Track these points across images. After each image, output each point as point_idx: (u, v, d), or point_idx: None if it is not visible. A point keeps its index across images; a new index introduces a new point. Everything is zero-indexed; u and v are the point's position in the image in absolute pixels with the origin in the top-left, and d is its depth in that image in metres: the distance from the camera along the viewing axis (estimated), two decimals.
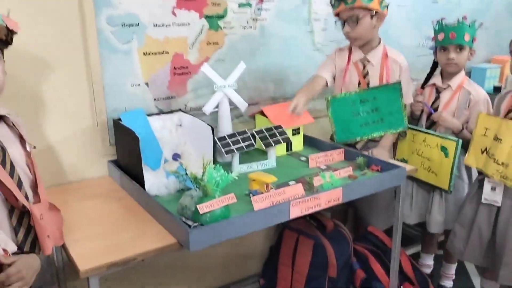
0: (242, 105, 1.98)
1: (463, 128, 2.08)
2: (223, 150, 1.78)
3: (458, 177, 2.16)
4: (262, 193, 1.53)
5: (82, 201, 1.63)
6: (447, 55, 2.07)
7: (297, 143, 2.13)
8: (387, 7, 2.00)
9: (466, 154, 1.96)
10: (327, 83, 2.10)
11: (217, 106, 1.94)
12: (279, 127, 1.96)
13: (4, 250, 1.14)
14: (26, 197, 1.24)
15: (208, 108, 1.89)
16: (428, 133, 2.12)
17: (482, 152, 1.87)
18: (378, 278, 2.11)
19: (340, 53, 2.14)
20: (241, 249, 2.36)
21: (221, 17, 2.00)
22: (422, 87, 2.24)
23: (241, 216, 1.37)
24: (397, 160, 2.25)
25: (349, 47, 2.11)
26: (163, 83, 1.93)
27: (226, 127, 1.97)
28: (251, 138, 1.87)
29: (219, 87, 1.90)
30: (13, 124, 1.28)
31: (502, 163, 1.79)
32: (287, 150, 2.10)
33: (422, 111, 2.22)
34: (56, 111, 1.72)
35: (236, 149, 1.82)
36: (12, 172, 1.20)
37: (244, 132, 1.88)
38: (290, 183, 1.72)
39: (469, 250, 2.00)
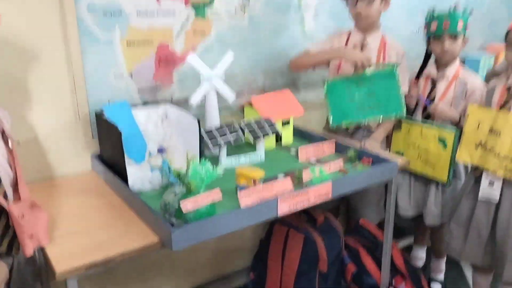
0: (230, 96, 1.92)
1: (460, 119, 2.03)
2: (209, 144, 1.73)
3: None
4: (249, 187, 1.48)
5: (63, 198, 1.57)
6: (442, 44, 2.02)
7: (287, 135, 2.08)
8: None
9: (458, 149, 1.90)
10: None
11: (204, 98, 1.88)
12: (268, 120, 1.91)
13: None
14: (5, 196, 1.19)
15: (194, 100, 1.83)
16: (425, 125, 2.07)
17: (477, 147, 1.82)
18: (369, 272, 2.08)
19: (339, 35, 2.13)
20: (230, 242, 2.32)
21: (207, 4, 1.93)
22: (417, 77, 2.19)
23: (226, 214, 1.32)
24: (393, 152, 2.22)
25: (348, 31, 2.10)
26: (148, 74, 1.86)
27: (213, 119, 1.91)
28: (239, 131, 1.82)
29: (206, 77, 1.83)
30: None
31: (505, 157, 1.73)
32: (277, 142, 2.05)
33: (417, 103, 2.17)
34: (35, 104, 1.65)
35: (224, 142, 1.76)
36: None
37: (232, 125, 1.82)
38: (279, 177, 1.67)
39: (468, 249, 1.95)
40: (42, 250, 1.26)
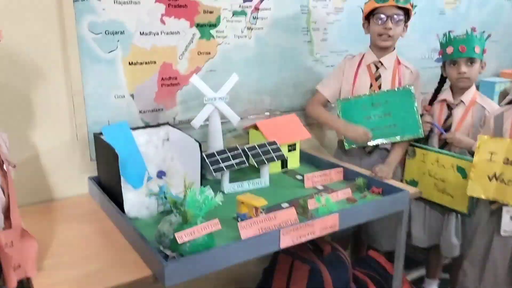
0: (234, 119, 1.86)
1: None
2: (211, 168, 1.65)
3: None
4: (251, 217, 1.40)
5: (56, 223, 1.49)
6: (458, 69, 1.94)
7: (293, 160, 2.00)
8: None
9: (468, 183, 1.79)
10: (327, 101, 2.14)
11: (208, 120, 1.82)
12: (274, 143, 1.83)
13: None
14: None
15: (196, 122, 1.77)
16: (441, 153, 1.97)
17: (491, 179, 1.72)
18: None
19: (350, 60, 2.12)
20: (232, 271, 2.22)
21: (213, 25, 1.88)
22: (430, 103, 2.10)
23: (224, 246, 1.23)
24: (406, 181, 2.12)
25: (361, 54, 2.10)
26: (150, 95, 1.80)
27: (216, 142, 1.84)
28: (243, 155, 1.74)
29: (209, 99, 1.77)
30: None
31: None
32: (282, 167, 1.97)
33: (431, 130, 2.07)
34: (33, 124, 1.60)
35: (226, 166, 1.69)
36: None
37: (235, 148, 1.75)
38: (283, 205, 1.59)
39: None
40: (27, 280, 1.18)
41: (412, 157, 2.07)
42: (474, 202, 1.91)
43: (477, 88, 2.66)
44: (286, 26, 2.10)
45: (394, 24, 1.95)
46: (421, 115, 2.09)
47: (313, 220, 1.38)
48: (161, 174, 1.68)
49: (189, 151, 1.63)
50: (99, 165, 1.69)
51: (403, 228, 1.71)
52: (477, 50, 1.90)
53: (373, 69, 2.06)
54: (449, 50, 1.94)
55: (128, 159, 1.61)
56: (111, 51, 1.67)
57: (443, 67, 2.04)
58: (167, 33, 1.78)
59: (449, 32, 1.96)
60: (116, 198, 1.50)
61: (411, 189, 1.72)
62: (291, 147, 1.98)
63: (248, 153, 1.76)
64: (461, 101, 2.00)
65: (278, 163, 1.93)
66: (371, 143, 2.03)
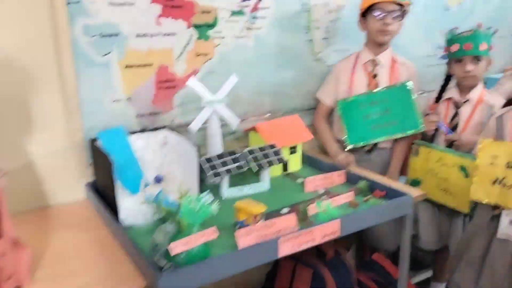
0: (234, 121, 1.82)
1: None
2: (209, 173, 1.61)
3: None
4: (249, 225, 1.36)
5: (52, 231, 1.46)
6: (464, 67, 1.88)
7: (295, 162, 1.96)
8: None
9: (471, 187, 1.74)
10: (331, 107, 2.14)
11: (207, 122, 1.78)
12: (274, 146, 1.79)
13: None
14: None
15: (194, 126, 1.73)
16: (445, 152, 1.92)
17: (493, 183, 1.66)
18: None
19: (345, 62, 2.11)
20: (235, 276, 2.18)
21: (211, 26, 1.84)
22: (436, 102, 2.04)
23: (221, 256, 1.20)
24: (410, 179, 2.07)
25: (356, 53, 2.09)
26: (147, 98, 1.77)
27: (215, 146, 1.80)
28: (242, 159, 1.70)
29: (208, 102, 1.73)
30: None
31: None
32: (284, 170, 1.93)
33: (436, 129, 2.02)
34: (27, 130, 1.57)
35: (225, 171, 1.65)
36: None
37: (234, 152, 1.71)
38: (283, 211, 1.55)
39: None
40: None
41: (416, 155, 2.03)
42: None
43: (485, 83, 2.62)
44: (286, 25, 2.05)
45: (393, 20, 1.94)
46: (427, 114, 2.04)
47: (313, 227, 1.33)
48: (158, 179, 1.64)
49: (187, 155, 1.59)
50: (95, 171, 1.66)
51: (407, 233, 1.66)
52: (483, 47, 1.84)
53: (370, 67, 2.06)
54: (454, 48, 1.88)
55: (125, 164, 1.58)
56: (106, 54, 1.63)
57: (449, 64, 1.98)
58: (164, 35, 1.74)
59: (454, 29, 1.90)
60: (113, 204, 1.47)
61: (414, 192, 1.67)
62: (293, 150, 1.94)
63: (248, 156, 1.72)
64: (468, 99, 1.94)
65: (279, 166, 1.89)
66: (372, 142, 2.04)
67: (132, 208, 1.50)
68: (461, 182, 1.86)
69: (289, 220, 1.36)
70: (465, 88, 1.95)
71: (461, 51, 1.86)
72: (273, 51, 2.04)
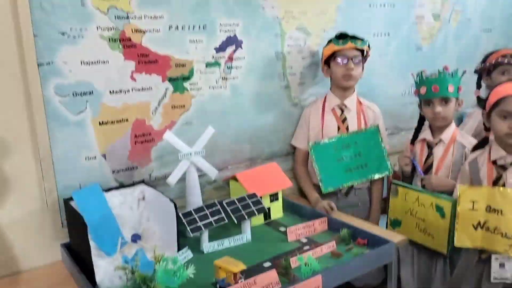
0: (212, 172, 1.80)
1: None
2: (188, 228, 1.58)
3: None
4: (229, 284, 1.33)
5: None
6: (433, 108, 1.91)
7: (276, 209, 1.94)
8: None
9: (455, 234, 1.73)
10: (307, 152, 2.14)
11: (185, 174, 1.76)
12: (254, 195, 1.77)
13: None
14: None
15: (172, 180, 1.71)
16: (421, 192, 1.93)
17: (476, 228, 1.66)
18: None
19: (314, 106, 2.18)
20: None
21: (186, 78, 1.85)
22: (412, 142, 2.07)
23: None
24: (390, 220, 2.06)
25: (324, 96, 2.16)
26: (123, 154, 1.75)
27: (195, 198, 1.78)
28: (222, 211, 1.68)
29: (185, 155, 1.72)
30: None
31: None
32: (265, 219, 1.90)
33: (414, 169, 2.04)
34: (0, 193, 1.53)
35: (204, 225, 1.62)
36: None
37: (214, 205, 1.69)
38: (265, 265, 1.52)
39: None
40: None
41: (395, 195, 2.03)
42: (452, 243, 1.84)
43: (461, 121, 2.66)
44: (261, 73, 2.07)
45: (355, 65, 2.04)
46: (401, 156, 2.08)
47: (294, 285, 1.30)
48: (135, 238, 1.60)
49: (165, 210, 1.56)
50: (70, 232, 1.61)
51: (393, 279, 1.64)
52: (451, 89, 1.87)
53: (338, 112, 2.13)
54: (423, 90, 1.92)
55: (101, 224, 1.55)
56: (80, 113, 1.62)
57: (420, 106, 2.02)
58: (139, 90, 1.74)
59: (421, 72, 1.94)
60: (89, 266, 1.42)
61: (396, 237, 1.66)
62: (273, 197, 1.92)
63: (227, 208, 1.70)
64: (441, 139, 1.97)
65: (260, 215, 1.86)
66: (347, 185, 2.09)
67: (109, 270, 1.45)
68: (438, 223, 1.85)
69: (270, 277, 1.33)
70: (437, 129, 1.98)
71: (429, 93, 1.90)
72: (250, 99, 2.06)
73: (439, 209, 1.85)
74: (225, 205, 1.70)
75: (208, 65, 1.90)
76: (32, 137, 1.55)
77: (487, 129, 1.77)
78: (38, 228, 1.61)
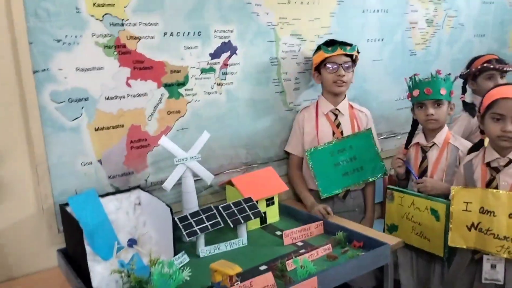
0: (208, 177, 1.81)
1: None
2: (184, 232, 1.59)
3: None
4: (226, 287, 1.33)
5: None
6: (426, 111, 1.93)
7: (272, 214, 1.95)
8: None
9: (449, 234, 1.74)
10: (301, 158, 2.19)
11: (181, 179, 1.77)
12: (250, 200, 1.78)
13: None
14: None
15: (168, 185, 1.71)
16: (416, 196, 1.94)
17: (469, 229, 1.67)
18: None
19: (307, 111, 2.19)
20: None
21: (182, 84, 1.86)
22: (406, 147, 2.08)
23: None
24: (387, 225, 2.07)
25: (315, 102, 2.19)
26: (119, 159, 1.75)
27: (191, 202, 1.79)
28: (218, 216, 1.68)
29: (181, 160, 1.73)
30: None
31: (505, 237, 1.60)
32: (261, 223, 1.91)
33: (408, 172, 2.05)
34: None
35: (200, 229, 1.62)
36: None
37: (210, 209, 1.69)
38: (261, 268, 1.52)
39: None
40: None
41: (391, 200, 2.04)
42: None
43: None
44: (256, 79, 2.09)
45: (346, 71, 2.07)
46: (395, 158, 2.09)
47: (290, 287, 1.30)
48: (131, 242, 1.61)
49: (161, 215, 1.57)
50: (66, 237, 1.61)
51: (389, 281, 1.64)
52: (443, 92, 1.90)
53: (332, 117, 2.15)
54: (416, 93, 1.94)
55: (97, 229, 1.55)
56: (76, 119, 1.63)
57: (413, 110, 2.04)
58: (134, 96, 1.75)
59: (414, 75, 1.97)
60: (85, 271, 1.42)
61: (392, 240, 1.67)
62: (269, 201, 1.93)
63: (223, 213, 1.70)
64: (434, 143, 1.98)
65: (257, 219, 1.87)
66: (345, 189, 2.12)
67: (105, 275, 1.45)
68: (433, 226, 1.87)
69: (266, 279, 1.34)
70: (430, 133, 2.00)
71: (421, 96, 1.92)
72: (245, 104, 2.07)
73: (434, 212, 1.87)
74: (221, 209, 1.71)
75: (203, 71, 1.91)
76: (28, 143, 1.55)
77: (483, 132, 1.79)
78: (34, 234, 1.61)
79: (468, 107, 2.38)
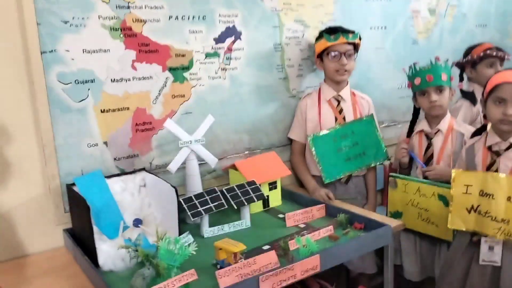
0: (212, 160, 1.83)
1: None
2: (189, 213, 1.61)
3: None
4: (230, 264, 1.35)
5: (29, 281, 1.43)
6: (429, 98, 1.95)
7: (275, 198, 1.97)
8: None
9: (448, 216, 1.77)
10: (303, 144, 2.21)
11: (185, 162, 1.79)
12: (253, 183, 1.80)
13: None
14: None
15: (173, 167, 1.74)
16: (422, 182, 1.96)
17: (469, 211, 1.70)
18: None
19: (309, 98, 2.20)
20: None
21: (186, 68, 1.88)
22: (408, 135, 2.10)
23: None
24: (390, 213, 2.09)
25: (318, 89, 2.19)
26: (124, 141, 1.77)
27: (195, 185, 1.81)
28: (221, 197, 1.71)
29: (185, 143, 1.75)
30: None
31: (502, 220, 1.62)
32: (264, 207, 1.93)
33: (411, 160, 2.07)
34: (3, 178, 1.55)
35: (204, 210, 1.65)
36: None
37: (214, 191, 1.72)
38: (264, 247, 1.55)
39: None
40: None
41: (394, 188, 2.05)
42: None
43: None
44: (260, 64, 2.10)
45: (348, 59, 2.08)
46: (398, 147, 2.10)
47: (293, 263, 1.33)
48: (137, 222, 1.63)
49: (166, 196, 1.59)
50: (73, 217, 1.64)
51: (389, 263, 1.66)
52: (444, 77, 1.92)
53: (335, 103, 2.16)
54: (417, 81, 1.96)
55: (103, 209, 1.58)
56: (82, 100, 1.65)
57: (414, 99, 2.06)
58: (139, 79, 1.77)
59: (414, 64, 1.98)
60: (91, 250, 1.45)
61: (393, 222, 1.69)
62: (272, 185, 1.95)
63: (227, 195, 1.73)
64: (439, 129, 2.00)
65: (259, 203, 1.90)
66: (348, 174, 2.14)
67: (111, 253, 1.47)
68: (441, 211, 1.88)
69: (269, 257, 1.36)
70: (434, 119, 2.01)
71: (423, 83, 1.94)
72: (249, 90, 2.09)
73: (442, 198, 1.88)
74: (225, 191, 1.73)
75: (207, 55, 1.93)
76: (35, 123, 1.58)
77: (486, 117, 1.81)
78: (42, 213, 1.64)
79: (469, 96, 2.40)
